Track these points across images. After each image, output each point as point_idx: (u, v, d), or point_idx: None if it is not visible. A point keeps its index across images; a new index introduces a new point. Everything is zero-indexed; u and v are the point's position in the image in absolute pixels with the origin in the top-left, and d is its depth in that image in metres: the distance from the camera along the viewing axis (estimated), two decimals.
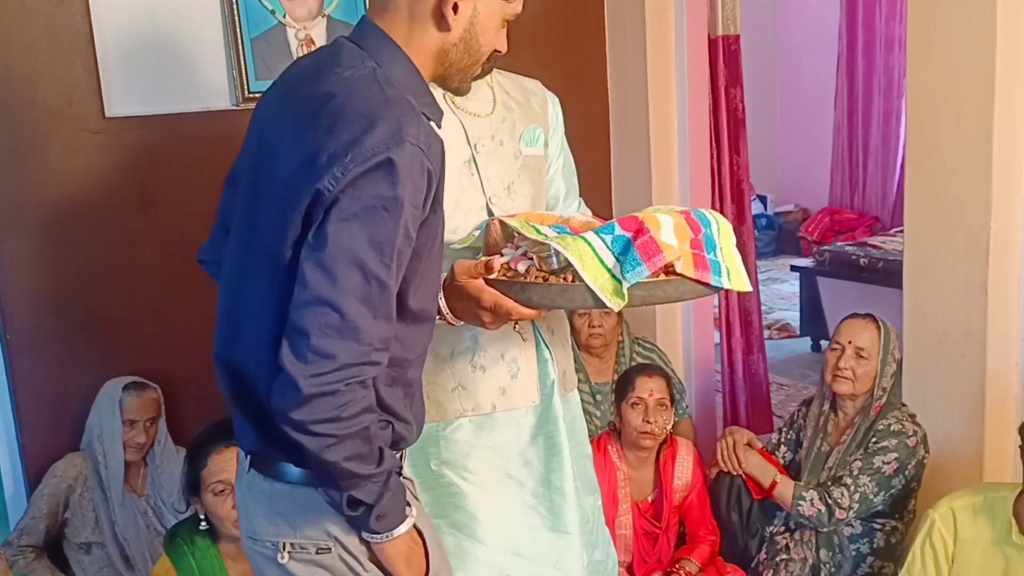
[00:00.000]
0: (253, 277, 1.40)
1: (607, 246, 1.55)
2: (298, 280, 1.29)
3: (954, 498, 2.27)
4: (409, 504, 1.47)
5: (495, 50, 1.52)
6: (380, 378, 1.40)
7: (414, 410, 1.52)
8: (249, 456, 1.50)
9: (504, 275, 1.59)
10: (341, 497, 1.38)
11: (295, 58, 2.91)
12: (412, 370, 1.49)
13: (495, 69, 1.87)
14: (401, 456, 1.57)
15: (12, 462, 2.83)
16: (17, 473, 2.82)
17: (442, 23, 1.41)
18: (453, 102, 1.84)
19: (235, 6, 2.84)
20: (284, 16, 2.92)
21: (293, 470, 1.43)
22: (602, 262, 1.54)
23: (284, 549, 1.46)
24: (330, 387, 1.27)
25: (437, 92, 1.82)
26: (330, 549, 1.45)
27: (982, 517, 2.21)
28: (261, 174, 1.40)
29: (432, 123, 1.42)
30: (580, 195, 2.12)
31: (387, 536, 1.43)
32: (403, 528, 1.45)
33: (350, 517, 1.42)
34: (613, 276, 1.54)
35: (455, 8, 1.40)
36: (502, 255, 1.64)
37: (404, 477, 1.60)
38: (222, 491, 2.18)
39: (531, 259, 1.60)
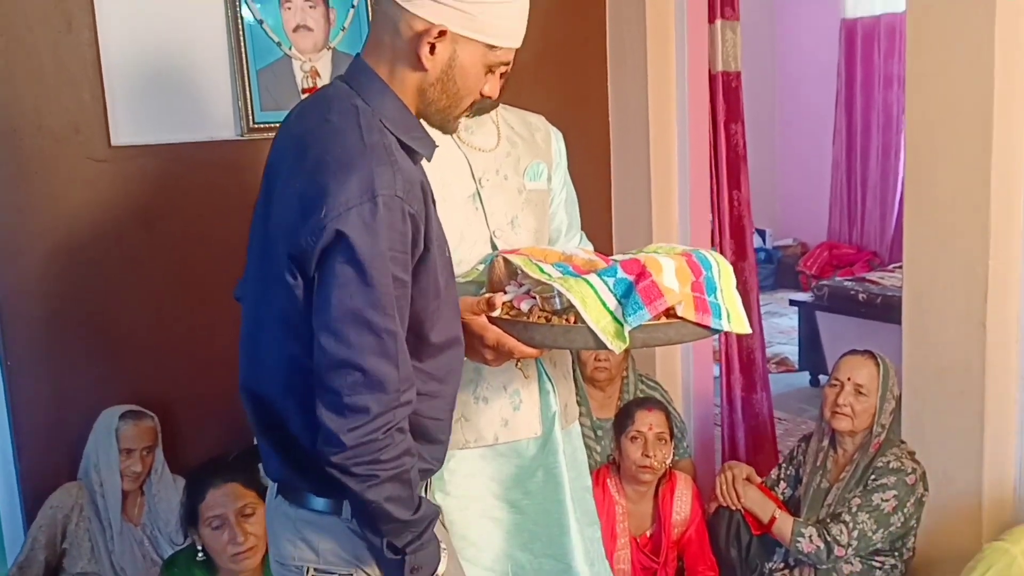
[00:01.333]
0: (267, 310, 1.44)
1: (609, 289, 1.58)
2: (315, 346, 1.35)
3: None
4: (441, 555, 1.51)
5: (484, 95, 1.50)
6: (423, 410, 1.47)
7: (445, 428, 1.58)
8: (276, 482, 1.54)
9: (507, 313, 1.62)
10: (381, 542, 1.42)
11: (300, 89, 2.95)
12: (449, 387, 1.55)
13: (500, 104, 1.90)
14: (427, 488, 1.60)
15: (9, 489, 2.81)
16: (14, 500, 2.81)
17: (418, 63, 1.41)
18: (459, 136, 1.86)
19: (241, 38, 2.88)
20: (290, 48, 2.95)
21: (318, 499, 1.47)
22: (604, 304, 1.57)
23: (308, 573, 1.50)
24: (369, 437, 1.34)
25: None
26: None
27: None
28: (268, 212, 1.44)
29: (415, 156, 1.46)
30: (582, 228, 2.14)
31: None
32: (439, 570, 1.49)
33: (386, 564, 1.46)
34: (615, 319, 1.57)
35: (431, 49, 1.40)
36: (505, 292, 1.66)
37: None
38: (219, 526, 2.18)
39: (534, 298, 1.62)
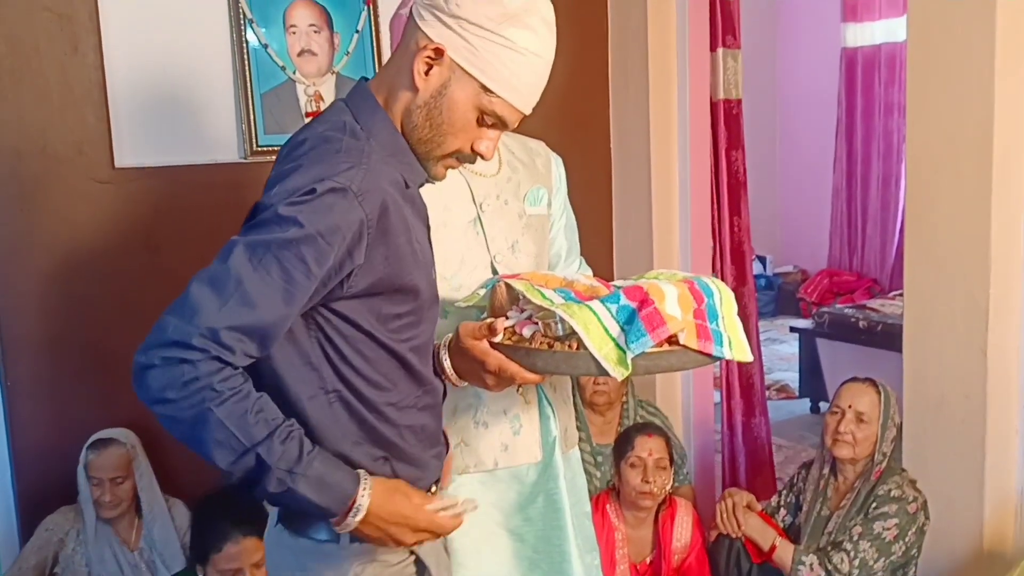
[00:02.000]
0: None
1: (612, 315, 1.58)
2: None
3: None
4: (356, 476, 1.37)
5: (476, 151, 1.43)
6: (343, 412, 1.40)
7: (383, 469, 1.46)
8: (277, 510, 1.51)
9: (509, 339, 1.62)
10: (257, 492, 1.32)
11: (303, 113, 2.97)
12: (388, 417, 1.46)
13: None
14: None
15: (6, 510, 2.80)
16: (11, 521, 2.80)
17: (411, 82, 1.39)
18: None
19: (246, 61, 2.90)
20: (294, 72, 2.97)
21: (319, 527, 1.43)
22: (607, 331, 1.56)
23: None
24: (149, 359, 1.25)
25: None
26: None
27: None
28: None
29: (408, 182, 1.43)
30: (582, 254, 2.14)
31: (348, 520, 1.35)
32: (356, 500, 1.35)
33: (299, 518, 1.40)
34: (617, 346, 1.57)
35: (427, 69, 1.38)
36: (507, 317, 1.66)
37: None
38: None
39: (536, 324, 1.62)
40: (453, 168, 1.49)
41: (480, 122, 1.42)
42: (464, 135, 1.42)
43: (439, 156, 1.44)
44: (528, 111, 1.46)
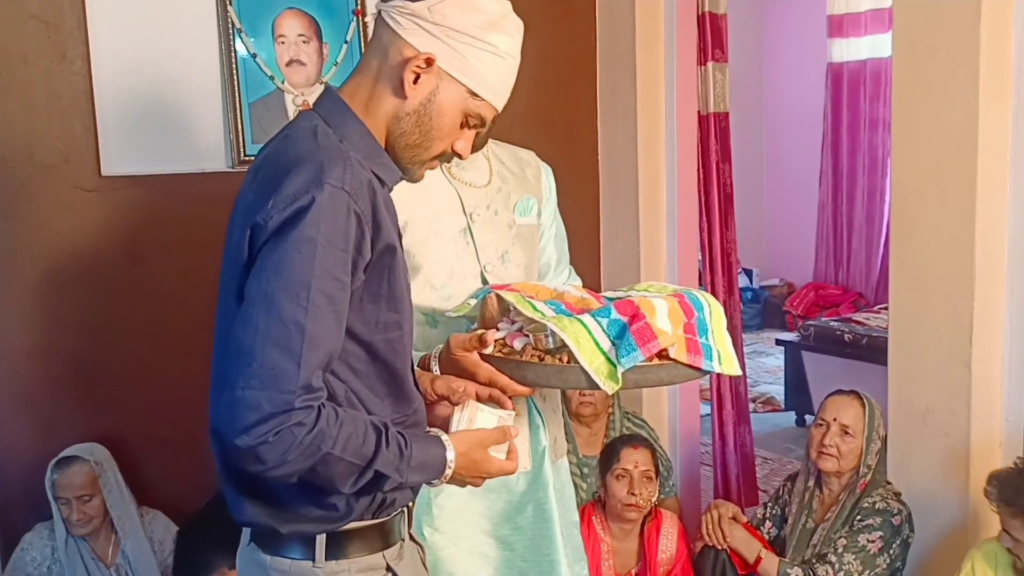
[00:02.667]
0: (226, 342, 1.40)
1: (603, 329, 1.59)
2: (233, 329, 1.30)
3: (981, 545, 2.32)
4: (440, 441, 1.47)
5: (456, 152, 1.47)
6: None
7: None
8: (247, 528, 1.49)
9: (500, 351, 1.62)
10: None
11: None
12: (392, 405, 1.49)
13: (491, 140, 1.91)
14: (408, 520, 1.56)
15: None
16: None
17: (400, 89, 1.41)
18: (450, 171, 1.88)
19: (234, 71, 2.90)
20: (283, 82, 2.97)
21: (293, 546, 1.43)
22: (598, 345, 1.57)
23: None
24: (260, 439, 1.25)
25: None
26: None
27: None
28: (228, 239, 1.42)
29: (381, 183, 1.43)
30: (570, 263, 2.15)
31: (444, 474, 1.46)
32: (448, 460, 1.45)
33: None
34: (608, 360, 1.58)
35: (416, 79, 1.40)
36: (498, 329, 1.66)
37: (413, 540, 1.59)
38: None
39: (527, 336, 1.62)
40: (433, 169, 1.52)
41: (463, 124, 1.46)
42: (449, 138, 1.46)
43: (425, 160, 1.47)
44: (502, 109, 1.51)
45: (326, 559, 1.43)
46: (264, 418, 1.25)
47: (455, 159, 1.83)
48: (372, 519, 1.47)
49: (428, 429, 1.54)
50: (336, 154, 1.35)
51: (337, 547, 1.44)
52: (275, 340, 1.26)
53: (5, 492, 2.75)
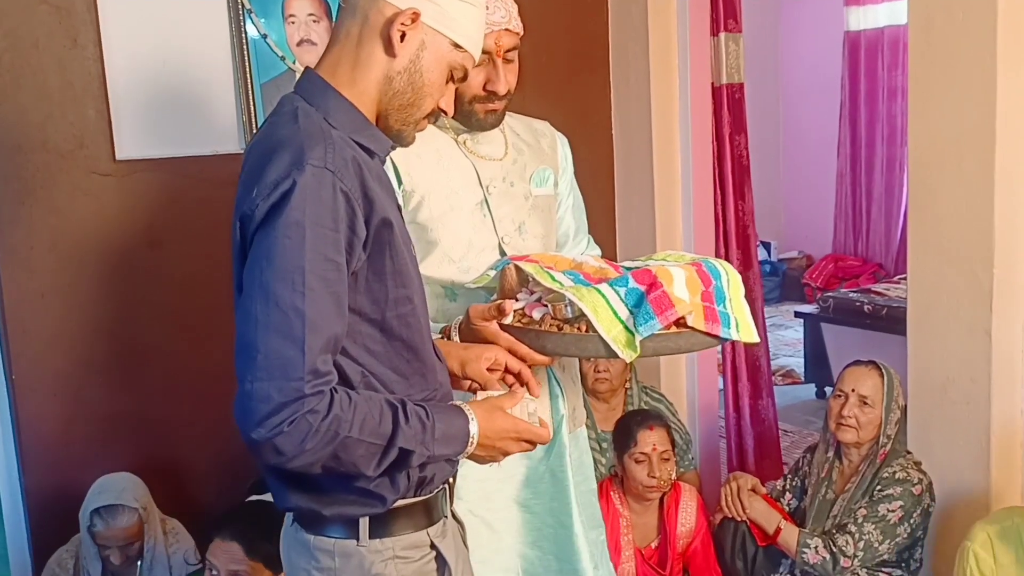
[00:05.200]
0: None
1: (621, 298, 1.59)
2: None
3: (985, 524, 2.29)
4: (462, 411, 1.45)
5: (440, 108, 1.48)
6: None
7: None
8: (290, 512, 1.50)
9: (519, 321, 1.63)
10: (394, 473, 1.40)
11: None
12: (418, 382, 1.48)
13: (507, 113, 1.91)
14: (449, 497, 1.56)
15: (14, 504, 2.81)
16: (19, 516, 2.81)
17: (388, 47, 1.41)
18: (465, 144, 1.89)
19: (246, 52, 2.89)
20: (294, 62, 2.97)
21: (335, 525, 1.44)
22: (616, 314, 1.58)
23: None
24: (275, 430, 1.25)
25: (448, 136, 1.87)
26: None
27: (1011, 540, 2.23)
28: (233, 229, 1.43)
29: (370, 155, 1.44)
30: (588, 234, 2.16)
31: (468, 447, 1.45)
32: (472, 433, 1.44)
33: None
34: (626, 328, 1.58)
35: (402, 36, 1.40)
36: (517, 299, 1.67)
37: (455, 519, 1.60)
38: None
39: (546, 306, 1.63)
40: (422, 130, 1.53)
41: (448, 79, 1.48)
42: (438, 94, 1.47)
43: (417, 119, 1.48)
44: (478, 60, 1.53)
45: (370, 538, 1.43)
46: (276, 409, 1.25)
47: (471, 136, 1.86)
48: (415, 497, 1.47)
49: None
50: (316, 133, 1.35)
51: (381, 525, 1.44)
52: (276, 329, 1.26)
53: (33, 474, 2.78)
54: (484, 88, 1.80)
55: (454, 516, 1.59)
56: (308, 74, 1.46)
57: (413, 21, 1.40)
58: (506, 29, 1.78)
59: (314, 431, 1.26)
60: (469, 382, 1.64)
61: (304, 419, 1.26)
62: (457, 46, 1.44)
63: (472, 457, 1.48)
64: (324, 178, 1.30)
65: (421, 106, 1.46)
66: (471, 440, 1.44)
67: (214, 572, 2.22)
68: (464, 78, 1.50)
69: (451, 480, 1.56)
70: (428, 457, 1.39)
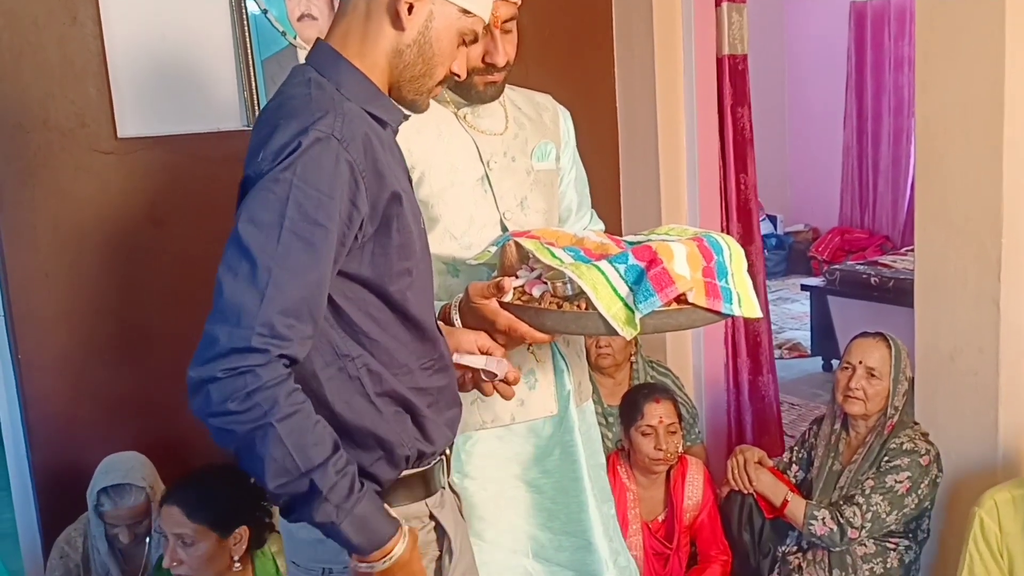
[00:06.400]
0: None
1: (620, 275, 1.58)
2: None
3: (995, 491, 2.29)
4: (397, 523, 1.36)
5: (452, 72, 1.49)
6: (348, 390, 1.38)
7: (407, 433, 1.45)
8: None
9: (519, 299, 1.63)
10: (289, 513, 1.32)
11: None
12: (401, 381, 1.44)
13: (507, 86, 1.89)
14: (446, 468, 1.55)
15: (23, 484, 2.83)
16: (27, 493, 2.83)
17: (396, 21, 1.40)
18: (465, 119, 1.87)
19: (246, 28, 2.87)
20: (295, 38, 2.94)
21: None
22: (615, 291, 1.57)
23: (326, 574, 1.46)
24: (209, 372, 1.23)
25: (448, 111, 1.85)
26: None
27: (1021, 508, 2.22)
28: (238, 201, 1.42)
29: (383, 124, 1.43)
30: (592, 208, 2.14)
31: (375, 564, 1.33)
32: (394, 549, 1.33)
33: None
34: (626, 305, 1.57)
35: (410, 8, 1.39)
36: (516, 276, 1.66)
37: (452, 489, 1.60)
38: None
39: (545, 284, 1.62)
40: (436, 96, 1.53)
41: (459, 43, 1.47)
42: (449, 60, 1.47)
43: (430, 88, 1.47)
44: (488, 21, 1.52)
45: None
46: (220, 353, 1.22)
47: (471, 110, 1.85)
48: (415, 468, 1.47)
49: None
50: (327, 103, 1.34)
51: (380, 496, 1.42)
52: (242, 276, 1.25)
53: (40, 452, 2.79)
54: (483, 60, 1.77)
55: (451, 488, 1.60)
56: (320, 45, 1.45)
57: None
58: None
59: (243, 393, 1.22)
60: (460, 372, 1.62)
61: (241, 376, 1.22)
62: (466, 12, 1.44)
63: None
64: (328, 144, 1.29)
65: (433, 75, 1.46)
66: (389, 555, 1.33)
67: (165, 537, 2.24)
68: (475, 40, 1.49)
69: (447, 451, 1.56)
70: (331, 522, 1.28)
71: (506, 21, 1.77)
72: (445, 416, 1.53)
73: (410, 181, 1.49)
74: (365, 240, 1.36)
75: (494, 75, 1.81)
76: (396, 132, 1.49)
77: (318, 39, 1.48)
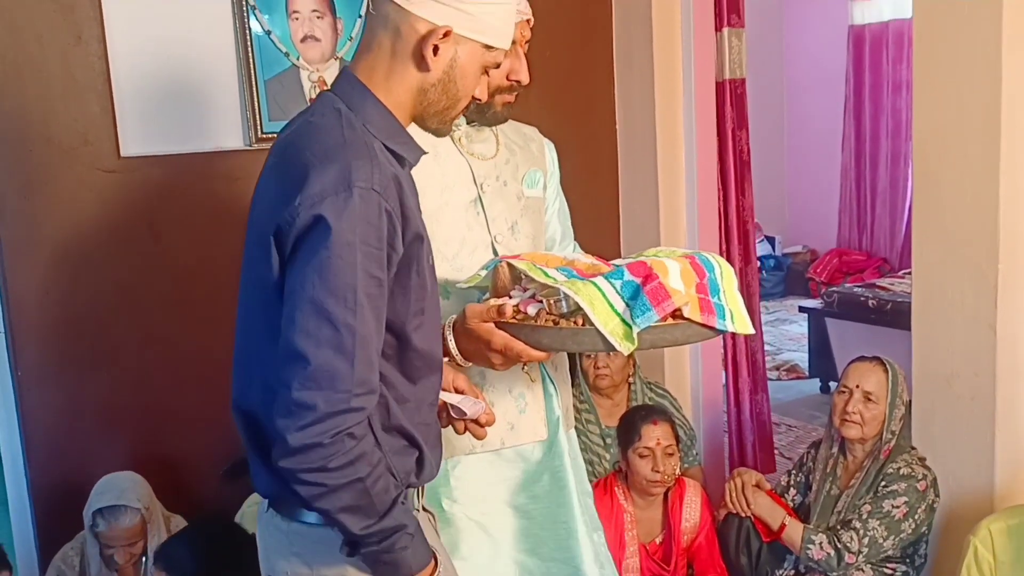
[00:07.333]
0: (254, 321, 1.44)
1: (617, 291, 1.59)
2: (282, 333, 1.33)
3: (991, 520, 2.28)
4: (435, 556, 1.46)
5: (475, 98, 1.52)
6: (409, 417, 1.44)
7: (405, 467, 1.49)
8: (267, 498, 1.51)
9: (514, 318, 1.62)
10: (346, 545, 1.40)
11: (308, 99, 2.97)
12: (408, 418, 1.48)
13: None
14: (420, 492, 1.58)
15: (20, 499, 2.82)
16: (25, 510, 2.82)
17: (422, 63, 1.42)
18: (460, 142, 1.88)
19: (250, 48, 2.89)
20: (298, 59, 2.96)
21: (310, 512, 1.44)
22: (612, 307, 1.57)
23: None
24: (315, 439, 1.29)
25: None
26: None
27: (1015, 538, 2.21)
28: (251, 221, 1.44)
29: (401, 161, 1.46)
30: (589, 233, 2.16)
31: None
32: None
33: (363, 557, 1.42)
34: (623, 321, 1.58)
35: (435, 50, 1.41)
36: (511, 297, 1.66)
37: (425, 509, 1.62)
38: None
39: (540, 302, 1.62)
40: (475, 127, 1.59)
41: (482, 73, 1.50)
42: (472, 91, 1.50)
43: (454, 116, 1.52)
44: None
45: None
46: (321, 418, 1.29)
47: (465, 133, 1.86)
48: None
49: None
50: (362, 149, 1.36)
51: None
52: (328, 343, 1.30)
53: (37, 466, 2.78)
54: (507, 78, 1.79)
55: (425, 509, 1.62)
56: (347, 75, 1.47)
57: (446, 36, 1.41)
58: (527, 19, 1.80)
59: (344, 453, 1.30)
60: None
61: (342, 439, 1.30)
62: (489, 47, 1.47)
63: None
64: (371, 199, 1.32)
65: (456, 107, 1.50)
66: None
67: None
68: (498, 67, 1.54)
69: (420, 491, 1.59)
70: (405, 547, 1.40)
71: (527, 40, 1.81)
72: (436, 453, 1.56)
73: (420, 210, 1.50)
74: (389, 279, 1.39)
75: (512, 95, 1.83)
76: (411, 167, 1.50)
77: (345, 68, 1.49)
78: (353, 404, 1.30)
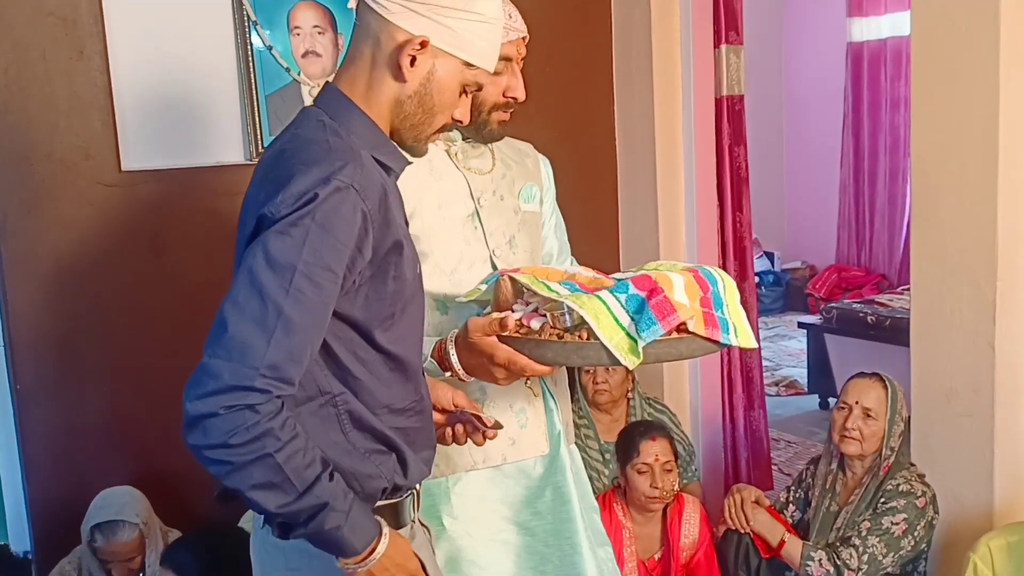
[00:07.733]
0: None
1: (622, 305, 1.58)
2: None
3: (990, 537, 2.28)
4: (382, 532, 1.41)
5: (456, 119, 1.51)
6: (327, 426, 1.40)
7: (386, 467, 1.47)
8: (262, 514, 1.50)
9: (517, 332, 1.62)
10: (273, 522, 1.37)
11: None
12: (383, 420, 1.46)
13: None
14: (416, 503, 1.57)
15: (18, 513, 2.82)
16: (23, 524, 2.82)
17: (399, 74, 1.43)
18: (456, 157, 1.88)
19: (251, 63, 2.91)
20: (299, 74, 2.98)
21: None
22: (617, 321, 1.57)
23: None
24: (210, 409, 1.24)
25: (440, 148, 1.87)
26: None
27: (1015, 555, 2.21)
28: (239, 230, 1.44)
29: (388, 171, 1.45)
30: (589, 249, 2.16)
31: (358, 566, 1.40)
32: (377, 548, 1.39)
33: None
34: (628, 335, 1.57)
35: (412, 61, 1.42)
36: (513, 311, 1.66)
37: (422, 524, 1.61)
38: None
39: (544, 316, 1.62)
40: (435, 142, 1.56)
41: (462, 93, 1.49)
42: (451, 109, 1.49)
43: (429, 135, 1.50)
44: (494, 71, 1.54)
45: None
46: (221, 388, 1.24)
47: (461, 148, 1.86)
48: (388, 500, 1.49)
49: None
50: (347, 153, 1.36)
51: None
52: (251, 315, 1.26)
53: (36, 481, 2.78)
54: (504, 95, 1.80)
55: (421, 523, 1.61)
56: (330, 89, 1.47)
57: (423, 47, 1.41)
58: (523, 37, 1.80)
59: (245, 427, 1.24)
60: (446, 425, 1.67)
61: (241, 412, 1.24)
62: (469, 65, 1.46)
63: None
64: (347, 195, 1.31)
65: (432, 124, 1.48)
66: (371, 556, 1.39)
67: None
68: (479, 90, 1.53)
69: (417, 487, 1.57)
70: (338, 526, 1.34)
71: (523, 57, 1.81)
72: (422, 455, 1.55)
73: (407, 222, 1.50)
74: (361, 283, 1.38)
75: (508, 112, 1.83)
76: (397, 177, 1.50)
77: (327, 82, 1.50)
78: (257, 384, 1.25)
